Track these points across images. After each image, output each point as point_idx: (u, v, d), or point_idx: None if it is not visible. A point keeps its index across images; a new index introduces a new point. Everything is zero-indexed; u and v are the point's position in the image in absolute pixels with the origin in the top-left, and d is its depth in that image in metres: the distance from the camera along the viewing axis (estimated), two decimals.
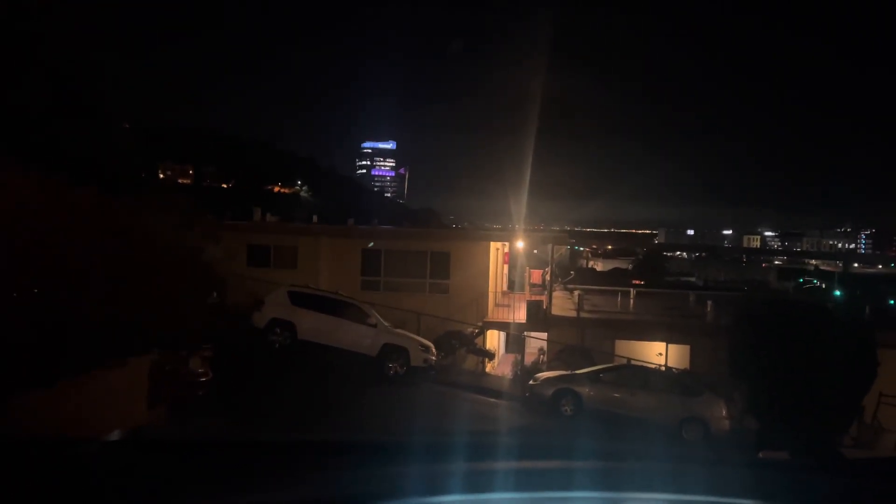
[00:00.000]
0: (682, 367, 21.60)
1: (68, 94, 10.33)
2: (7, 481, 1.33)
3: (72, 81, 10.51)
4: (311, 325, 17.86)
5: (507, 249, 32.30)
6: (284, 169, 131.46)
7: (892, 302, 42.35)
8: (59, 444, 1.63)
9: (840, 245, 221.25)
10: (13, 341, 6.89)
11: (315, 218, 38.83)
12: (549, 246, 29.09)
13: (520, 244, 31.24)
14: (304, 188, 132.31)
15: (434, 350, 18.63)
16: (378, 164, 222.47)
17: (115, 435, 1.60)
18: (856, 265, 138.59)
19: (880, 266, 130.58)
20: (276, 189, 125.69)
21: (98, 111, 11.21)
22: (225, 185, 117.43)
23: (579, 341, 22.31)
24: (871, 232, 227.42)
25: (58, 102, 10.13)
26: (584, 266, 67.50)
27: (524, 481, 1.28)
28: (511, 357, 24.86)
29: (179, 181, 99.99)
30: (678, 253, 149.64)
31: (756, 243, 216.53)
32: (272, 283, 20.25)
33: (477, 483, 1.26)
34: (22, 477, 1.36)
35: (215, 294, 15.77)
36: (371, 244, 25.97)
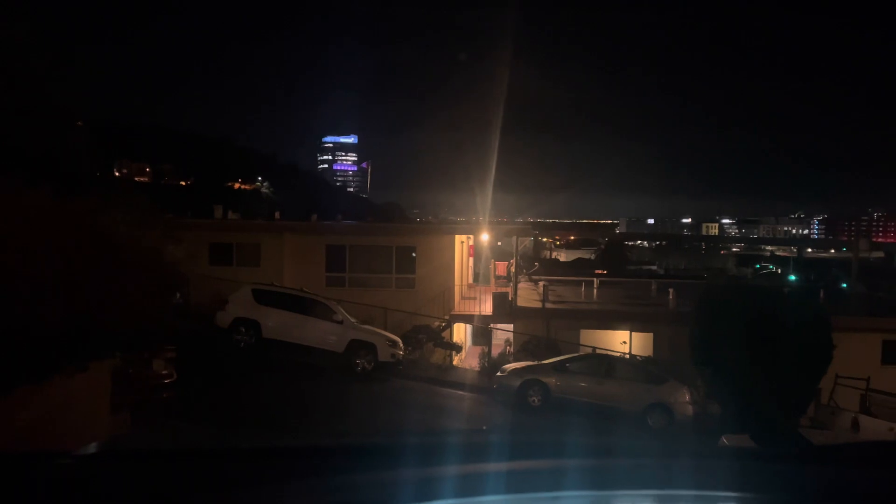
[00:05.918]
0: (645, 354, 21.99)
1: (19, 91, 9.99)
2: None
3: (23, 78, 10.17)
4: (276, 323, 17.71)
5: (471, 242, 32.40)
6: (245, 165, 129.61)
7: (844, 285, 43.65)
8: (27, 460, 1.58)
9: (794, 231, 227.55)
10: None
11: (277, 214, 38.36)
12: (514, 238, 29.26)
13: (484, 237, 31.37)
14: (265, 184, 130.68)
15: (401, 345, 18.63)
16: (340, 158, 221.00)
17: (90, 448, 1.57)
18: (809, 250, 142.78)
19: (832, 250, 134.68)
20: (237, 186, 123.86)
21: (51, 109, 10.86)
22: (184, 183, 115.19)
23: (545, 332, 22.53)
24: (823, 218, 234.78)
25: (7, 99, 9.80)
26: (548, 257, 68.19)
27: (513, 483, 1.30)
28: (478, 349, 24.97)
29: (136, 179, 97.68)
30: (639, 242, 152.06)
31: (714, 231, 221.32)
32: (235, 281, 20.01)
33: (466, 486, 1.27)
34: None
35: (178, 295, 15.52)
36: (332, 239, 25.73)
